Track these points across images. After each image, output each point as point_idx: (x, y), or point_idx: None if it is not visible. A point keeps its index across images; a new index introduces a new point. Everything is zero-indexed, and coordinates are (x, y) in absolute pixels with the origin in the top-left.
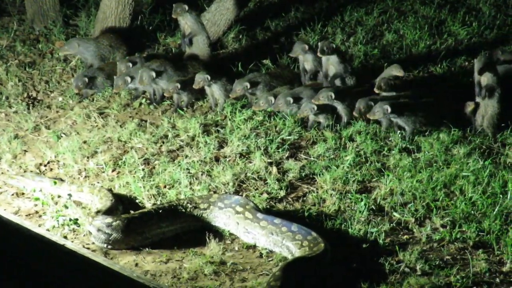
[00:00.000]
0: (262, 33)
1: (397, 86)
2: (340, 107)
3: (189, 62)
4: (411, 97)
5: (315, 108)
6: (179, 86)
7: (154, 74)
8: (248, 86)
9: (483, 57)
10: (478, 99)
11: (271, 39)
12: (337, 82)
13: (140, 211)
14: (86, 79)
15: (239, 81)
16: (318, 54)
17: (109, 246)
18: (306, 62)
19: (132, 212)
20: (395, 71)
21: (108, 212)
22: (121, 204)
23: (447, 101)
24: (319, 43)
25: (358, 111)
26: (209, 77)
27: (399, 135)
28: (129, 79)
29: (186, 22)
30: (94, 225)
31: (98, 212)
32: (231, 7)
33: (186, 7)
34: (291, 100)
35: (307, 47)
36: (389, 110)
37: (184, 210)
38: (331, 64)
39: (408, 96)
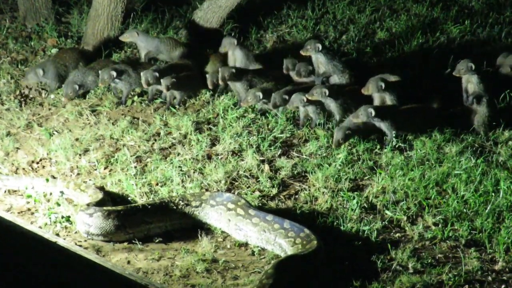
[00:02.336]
0: (254, 30)
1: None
2: (332, 105)
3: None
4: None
5: (305, 99)
6: (175, 81)
7: (175, 80)
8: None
9: (466, 61)
10: (466, 105)
11: (263, 37)
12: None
13: (125, 205)
14: (77, 87)
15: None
16: (301, 52)
17: (89, 237)
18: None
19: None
20: (391, 76)
21: (98, 204)
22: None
23: (432, 107)
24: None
25: (356, 117)
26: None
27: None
28: (114, 74)
29: (235, 56)
30: (79, 216)
31: (89, 204)
32: (223, 5)
33: (235, 42)
34: (260, 95)
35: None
36: (373, 113)
37: (174, 208)
38: (320, 64)
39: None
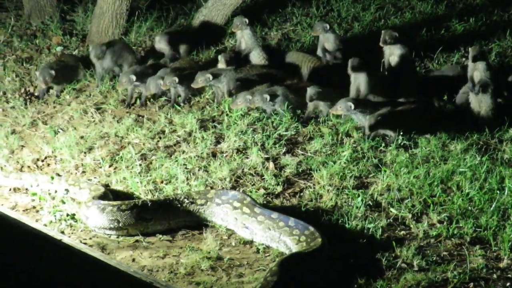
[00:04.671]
0: (259, 28)
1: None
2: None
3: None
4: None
5: (268, 98)
6: (177, 80)
7: (177, 79)
8: (211, 78)
9: (477, 47)
10: (471, 95)
11: (268, 35)
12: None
13: (122, 201)
14: (53, 72)
15: (201, 73)
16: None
17: (90, 228)
18: (327, 42)
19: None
20: None
21: (101, 198)
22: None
23: (423, 106)
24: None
25: (335, 110)
26: (210, 77)
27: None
28: (133, 77)
29: (243, 36)
30: (82, 208)
31: (94, 197)
32: (228, 3)
33: (247, 21)
34: (210, 77)
35: (328, 26)
36: (353, 107)
37: (178, 205)
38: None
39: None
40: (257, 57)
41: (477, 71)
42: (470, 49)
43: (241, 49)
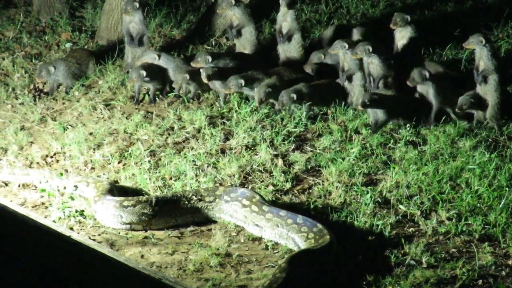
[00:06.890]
0: (268, 25)
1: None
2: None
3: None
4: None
5: (243, 83)
6: (188, 77)
7: (188, 76)
8: (243, 84)
9: (477, 36)
10: (477, 86)
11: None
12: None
13: (126, 197)
14: (52, 68)
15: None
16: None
17: (100, 224)
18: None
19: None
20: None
21: (109, 193)
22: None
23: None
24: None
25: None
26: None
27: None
28: (144, 73)
29: (234, 13)
30: (91, 203)
31: (103, 192)
32: None
33: (233, 1)
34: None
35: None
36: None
37: (185, 202)
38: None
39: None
40: (249, 34)
41: (482, 60)
42: (470, 36)
43: (233, 26)
